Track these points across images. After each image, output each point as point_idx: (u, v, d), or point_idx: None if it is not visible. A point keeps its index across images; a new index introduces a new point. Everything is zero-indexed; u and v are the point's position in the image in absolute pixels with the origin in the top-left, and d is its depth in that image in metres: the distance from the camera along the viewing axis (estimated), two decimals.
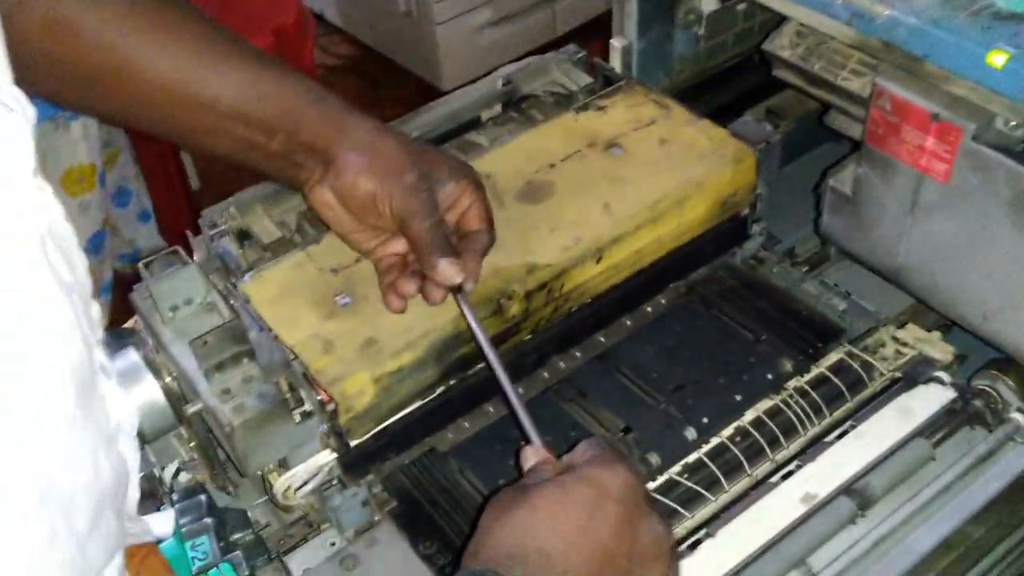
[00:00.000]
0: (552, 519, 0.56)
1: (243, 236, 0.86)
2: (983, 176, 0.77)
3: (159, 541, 0.73)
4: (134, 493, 0.64)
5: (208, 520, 0.77)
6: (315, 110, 0.74)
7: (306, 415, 0.73)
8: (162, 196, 2.13)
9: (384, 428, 0.76)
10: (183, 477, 0.85)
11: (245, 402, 0.70)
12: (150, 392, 0.76)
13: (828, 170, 0.95)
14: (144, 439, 0.78)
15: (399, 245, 0.78)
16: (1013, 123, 0.75)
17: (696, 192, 0.86)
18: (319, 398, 0.72)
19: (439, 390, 0.78)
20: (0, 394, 0.40)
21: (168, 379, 0.76)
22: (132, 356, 0.77)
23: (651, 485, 0.77)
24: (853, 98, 0.91)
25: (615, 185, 0.87)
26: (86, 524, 0.44)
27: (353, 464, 0.76)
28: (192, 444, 0.82)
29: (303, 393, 0.72)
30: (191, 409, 0.72)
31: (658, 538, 0.59)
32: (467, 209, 0.78)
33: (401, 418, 0.77)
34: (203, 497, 0.78)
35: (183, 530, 0.76)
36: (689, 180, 0.87)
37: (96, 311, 0.58)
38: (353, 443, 0.75)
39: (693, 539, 0.74)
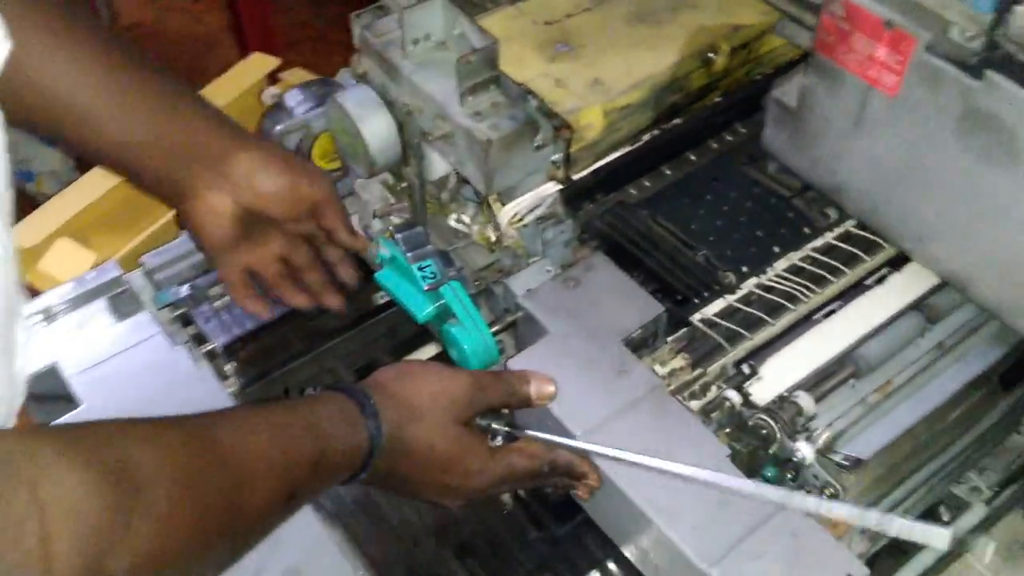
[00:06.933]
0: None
1: None
2: (933, 89, 0.72)
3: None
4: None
5: (430, 246, 0.83)
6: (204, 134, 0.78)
7: (537, 148, 0.79)
8: None
9: (600, 166, 0.83)
10: (377, 224, 0.91)
11: (498, 122, 0.76)
12: (385, 123, 0.81)
13: (772, 81, 0.88)
14: (375, 170, 0.84)
15: (276, 247, 0.84)
16: (970, 34, 0.69)
17: None
18: (554, 125, 0.77)
19: (645, 138, 0.85)
20: None
21: (402, 112, 0.81)
22: (367, 91, 0.82)
23: None
24: (806, 4, 0.86)
25: None
26: None
27: (572, 197, 0.83)
28: (400, 188, 0.88)
29: (540, 121, 0.78)
30: (438, 132, 0.78)
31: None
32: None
33: (615, 159, 0.84)
34: (420, 228, 0.84)
35: (409, 254, 0.82)
36: None
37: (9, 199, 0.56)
38: (574, 177, 0.82)
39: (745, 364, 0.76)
